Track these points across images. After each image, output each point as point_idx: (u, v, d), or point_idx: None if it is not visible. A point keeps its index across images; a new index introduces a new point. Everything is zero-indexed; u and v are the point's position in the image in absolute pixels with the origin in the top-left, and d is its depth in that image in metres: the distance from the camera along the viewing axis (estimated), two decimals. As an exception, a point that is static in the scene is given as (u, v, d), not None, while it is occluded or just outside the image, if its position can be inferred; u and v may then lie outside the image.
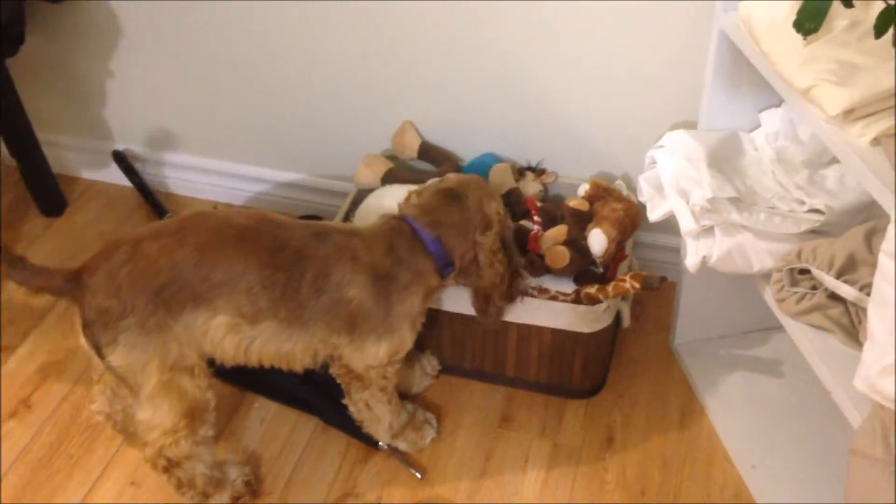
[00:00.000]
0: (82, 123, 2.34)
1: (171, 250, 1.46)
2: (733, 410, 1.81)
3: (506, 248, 1.64)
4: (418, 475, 1.73)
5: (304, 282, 1.50)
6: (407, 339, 1.62)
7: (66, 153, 2.38)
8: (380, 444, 1.76)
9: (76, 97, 2.29)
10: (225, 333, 1.50)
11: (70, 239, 2.24)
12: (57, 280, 1.48)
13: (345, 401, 1.71)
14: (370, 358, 1.59)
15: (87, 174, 2.42)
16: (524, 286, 1.70)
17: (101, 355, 1.47)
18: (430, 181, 1.69)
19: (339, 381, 1.67)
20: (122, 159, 2.33)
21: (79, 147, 2.38)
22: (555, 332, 1.76)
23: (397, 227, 1.59)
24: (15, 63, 2.08)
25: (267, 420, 1.83)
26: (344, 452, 1.78)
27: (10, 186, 2.34)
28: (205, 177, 2.32)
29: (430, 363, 1.89)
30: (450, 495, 1.71)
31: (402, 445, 1.76)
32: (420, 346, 1.87)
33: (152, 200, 2.30)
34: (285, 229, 1.53)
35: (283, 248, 1.50)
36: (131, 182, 2.33)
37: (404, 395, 1.81)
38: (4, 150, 2.22)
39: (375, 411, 1.69)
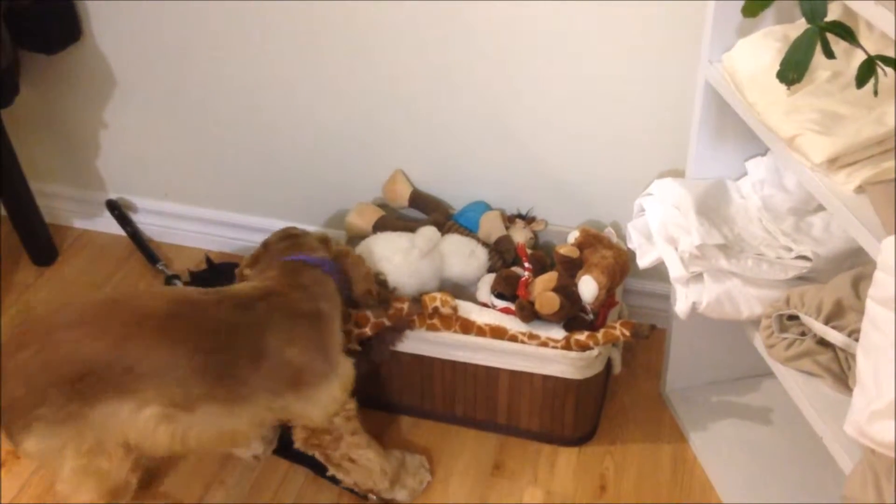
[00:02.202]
0: (75, 173, 2.35)
1: (87, 342, 1.42)
2: (725, 457, 1.81)
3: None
4: (408, 526, 1.72)
5: (242, 356, 1.48)
6: (349, 367, 1.61)
7: (58, 202, 2.39)
8: (368, 496, 1.74)
9: (69, 147, 2.31)
10: (157, 424, 1.45)
11: (61, 288, 2.25)
12: None
13: (330, 472, 1.68)
14: (330, 405, 1.57)
15: (79, 223, 2.42)
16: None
17: (14, 442, 1.44)
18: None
19: (311, 451, 1.63)
20: (115, 208, 2.34)
21: (71, 196, 2.39)
22: (546, 378, 1.76)
23: (292, 267, 1.61)
24: (9, 113, 2.10)
25: (258, 469, 1.82)
26: (335, 502, 1.76)
27: (2, 236, 2.35)
28: (196, 225, 2.33)
29: (418, 461, 1.81)
30: (442, 545, 1.70)
31: (401, 495, 1.73)
32: (412, 392, 1.87)
33: (145, 249, 2.31)
34: (209, 309, 1.50)
35: (213, 329, 1.48)
36: (125, 231, 2.34)
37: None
38: (-4, 200, 2.23)
39: (361, 461, 1.66)
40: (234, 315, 1.50)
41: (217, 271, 2.21)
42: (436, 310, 1.75)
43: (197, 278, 2.18)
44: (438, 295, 1.76)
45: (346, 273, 1.69)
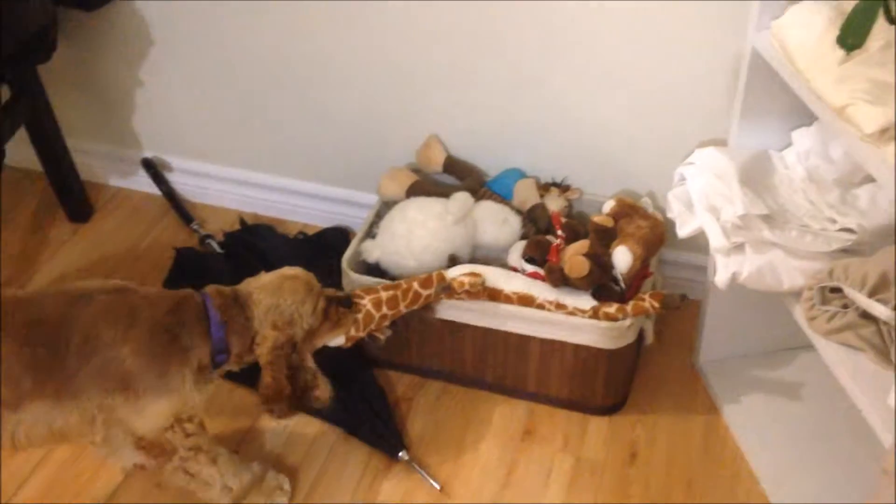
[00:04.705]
0: (111, 131, 2.36)
1: None
2: (758, 430, 1.81)
3: (296, 352, 1.55)
4: (437, 486, 1.72)
5: (71, 349, 1.41)
6: (191, 398, 1.50)
7: (94, 160, 2.40)
8: (399, 454, 1.75)
9: (106, 105, 2.31)
10: None
11: (96, 245, 2.26)
12: None
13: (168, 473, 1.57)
14: (153, 419, 1.48)
15: (115, 181, 2.44)
16: (321, 396, 1.60)
17: None
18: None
19: (150, 463, 1.53)
20: (150, 166, 2.35)
21: (107, 154, 2.40)
22: (577, 347, 1.76)
23: (189, 295, 1.52)
24: (46, 70, 2.11)
25: (290, 426, 1.83)
26: (366, 462, 1.77)
27: (38, 192, 2.36)
28: (231, 186, 2.34)
29: (277, 482, 1.70)
30: (471, 507, 1.71)
31: None
32: (442, 357, 1.88)
33: (179, 208, 2.32)
34: (37, 303, 1.45)
35: (40, 321, 1.42)
36: (159, 190, 2.35)
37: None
38: (34, 156, 2.24)
39: (202, 475, 1.56)
40: (67, 307, 1.44)
41: (250, 232, 2.22)
42: (466, 292, 1.74)
43: (231, 239, 2.19)
44: (466, 280, 1.74)
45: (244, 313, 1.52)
